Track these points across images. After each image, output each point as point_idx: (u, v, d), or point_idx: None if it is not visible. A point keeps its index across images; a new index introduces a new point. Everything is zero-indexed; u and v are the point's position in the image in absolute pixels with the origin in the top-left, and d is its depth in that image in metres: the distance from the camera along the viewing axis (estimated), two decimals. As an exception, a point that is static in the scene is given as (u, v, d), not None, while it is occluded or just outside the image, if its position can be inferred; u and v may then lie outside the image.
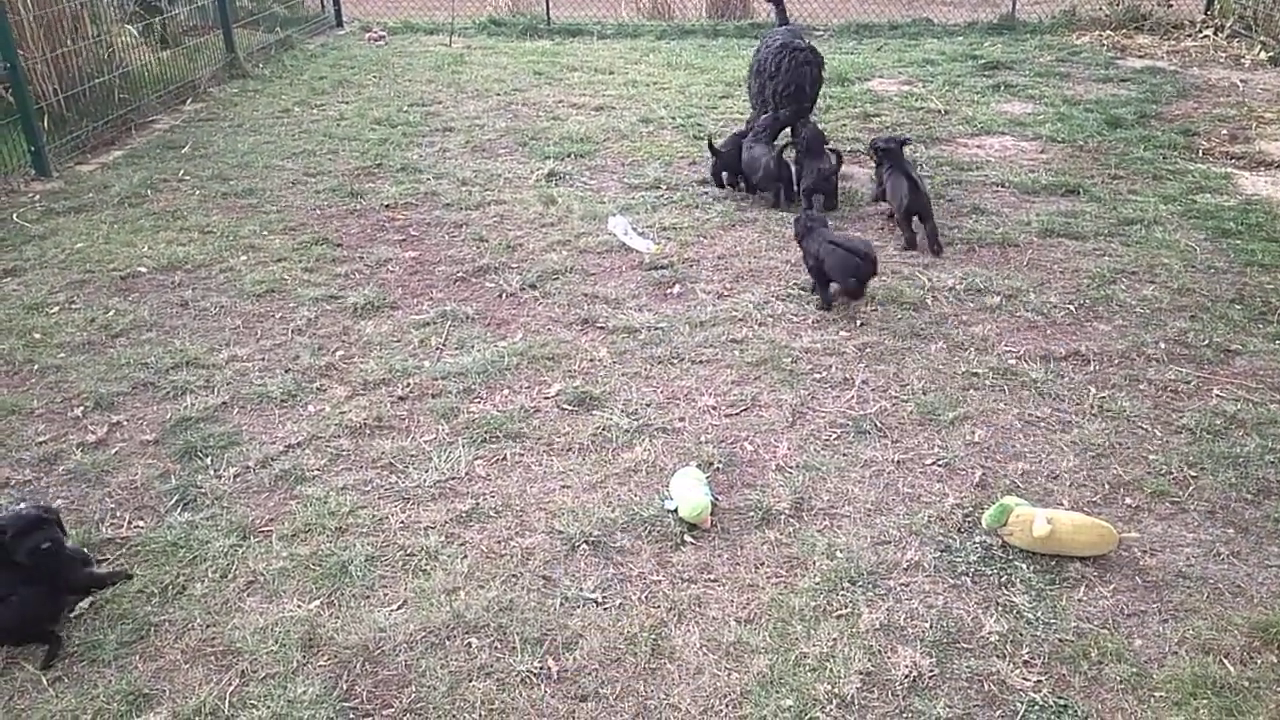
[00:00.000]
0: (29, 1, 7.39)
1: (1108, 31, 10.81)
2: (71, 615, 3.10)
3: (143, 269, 5.52)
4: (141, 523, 3.52)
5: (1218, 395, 4.12)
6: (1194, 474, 3.64)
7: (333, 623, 3.05)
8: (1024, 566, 3.21)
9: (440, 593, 3.15)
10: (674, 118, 8.13)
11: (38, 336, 4.80)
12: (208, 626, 3.06)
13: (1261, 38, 9.89)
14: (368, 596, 3.16)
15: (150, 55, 9.19)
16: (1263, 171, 6.68)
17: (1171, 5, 11.05)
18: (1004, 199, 6.28)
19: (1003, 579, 3.17)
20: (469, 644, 2.96)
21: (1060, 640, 2.93)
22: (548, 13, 12.30)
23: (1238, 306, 4.82)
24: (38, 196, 6.68)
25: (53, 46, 7.64)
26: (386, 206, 6.38)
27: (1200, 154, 7.00)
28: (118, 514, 3.56)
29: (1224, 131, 7.44)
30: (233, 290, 5.25)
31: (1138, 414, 4.00)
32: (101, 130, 7.84)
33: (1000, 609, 3.05)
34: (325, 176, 6.95)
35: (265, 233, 5.99)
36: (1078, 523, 3.25)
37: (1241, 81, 8.86)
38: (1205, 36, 10.38)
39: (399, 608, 3.11)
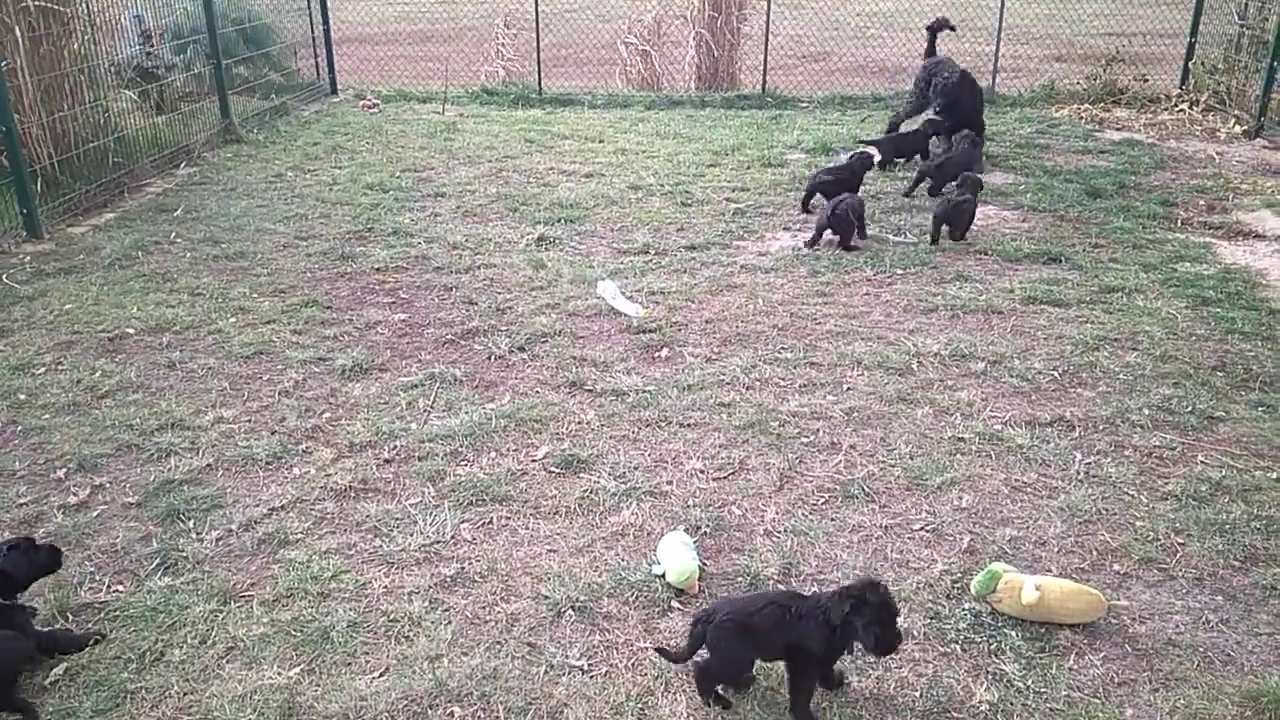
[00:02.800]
0: (29, 67, 7.50)
1: (1086, 105, 11.08)
2: (46, 682, 3.03)
3: (131, 330, 5.52)
4: (121, 587, 3.46)
5: (1202, 462, 4.14)
6: (1181, 540, 3.64)
7: (313, 691, 2.99)
8: (1014, 634, 3.19)
9: (423, 660, 3.10)
10: (662, 185, 8.25)
11: (23, 397, 4.77)
12: (185, 695, 3.00)
13: (1236, 112, 10.16)
14: (349, 664, 3.10)
15: (145, 120, 9.30)
16: (1241, 241, 6.80)
17: (1147, 80, 11.35)
18: (987, 266, 6.37)
19: (993, 647, 3.15)
20: (452, 713, 2.91)
21: (1051, 709, 2.90)
22: (540, 82, 12.54)
23: (1220, 374, 4.88)
24: (28, 258, 6.70)
25: (50, 111, 7.74)
26: (377, 270, 6.42)
27: (1179, 224, 7.13)
28: (97, 578, 3.51)
29: (1202, 202, 7.60)
30: (221, 352, 5.25)
31: (1124, 480, 4.02)
32: (94, 193, 7.90)
33: (991, 677, 3.03)
34: (316, 240, 7.00)
35: (255, 295, 6.01)
36: (1066, 590, 3.24)
37: (1218, 154, 9.07)
38: (1181, 110, 10.65)
39: (381, 675, 3.05)
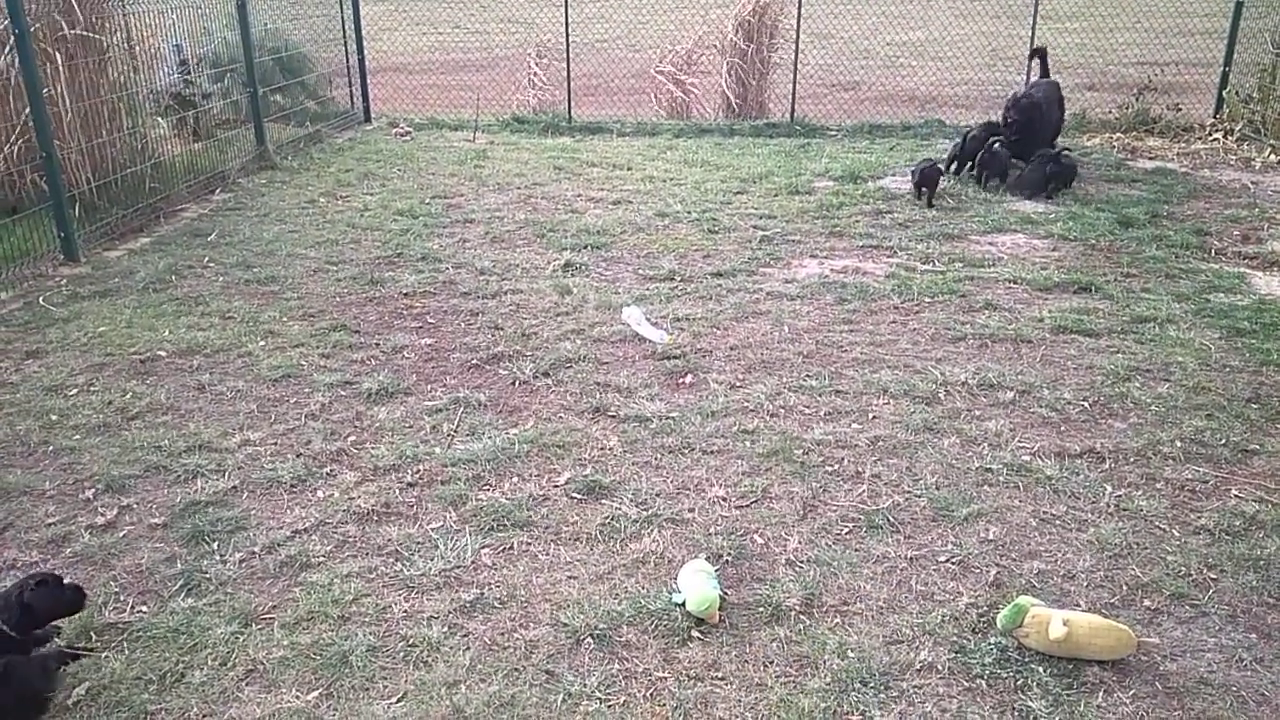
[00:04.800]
0: (69, 94, 7.68)
1: (1118, 134, 11.01)
2: (69, 702, 3.05)
3: (162, 353, 5.60)
4: (144, 608, 3.49)
5: (1236, 495, 4.05)
6: (1214, 576, 3.56)
7: (331, 715, 2.99)
8: (1041, 670, 3.12)
9: (441, 686, 3.09)
10: (689, 212, 8.28)
11: (54, 418, 4.84)
12: (205, 716, 3.00)
13: (1271, 141, 10.04)
14: (367, 688, 3.10)
15: (182, 147, 9.49)
16: (1276, 271, 6.70)
17: (1180, 109, 11.26)
18: (1016, 295, 6.31)
19: (1019, 682, 3.09)
20: (468, 740, 2.89)
21: (1079, 748, 2.84)
22: (569, 111, 12.66)
23: (1254, 406, 4.79)
24: (65, 281, 6.83)
25: (89, 137, 7.91)
26: (405, 295, 6.48)
27: (1213, 254, 7.04)
28: (121, 598, 3.54)
29: (1236, 232, 7.50)
30: (249, 375, 5.31)
31: (1155, 513, 3.94)
32: (131, 218, 8.05)
33: (1017, 714, 2.96)
34: (346, 265, 7.08)
35: (285, 319, 6.08)
36: (1095, 625, 3.17)
37: (1253, 183, 8.96)
38: (1215, 139, 10.55)
39: (398, 701, 3.04)
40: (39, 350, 5.65)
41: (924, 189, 8.42)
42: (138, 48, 8.95)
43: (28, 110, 7.07)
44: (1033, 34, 11.76)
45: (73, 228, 7.27)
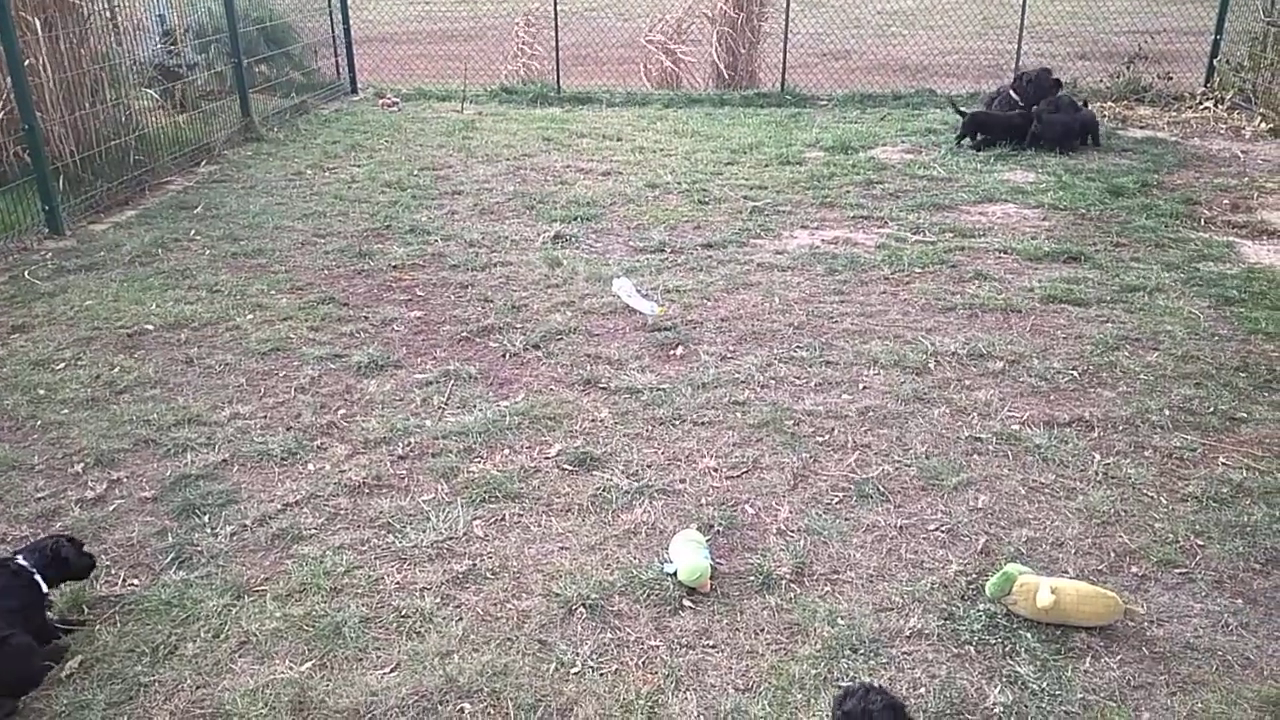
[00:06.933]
0: (51, 65, 7.57)
1: (1109, 103, 10.97)
2: (62, 675, 3.06)
3: (150, 326, 5.56)
4: (136, 581, 3.49)
5: (1223, 463, 4.08)
6: (1201, 543, 3.59)
7: (324, 685, 3.00)
8: (1029, 636, 3.15)
9: (434, 656, 3.11)
10: (679, 183, 8.24)
11: (42, 393, 4.82)
12: (198, 688, 3.01)
13: (1261, 110, 10.02)
14: (360, 659, 3.11)
15: (167, 118, 9.38)
16: (1265, 240, 6.71)
17: (1171, 78, 11.23)
18: (1007, 265, 6.31)
19: (1007, 648, 3.12)
20: (462, 709, 2.91)
21: (1066, 713, 2.87)
22: (558, 81, 12.55)
23: (1242, 374, 4.81)
24: (50, 254, 6.77)
25: (71, 109, 7.81)
26: (394, 267, 6.44)
27: (1202, 223, 7.04)
28: (113, 571, 3.53)
29: (1226, 201, 7.50)
30: (238, 348, 5.28)
31: (1143, 481, 3.97)
32: (116, 190, 7.97)
33: (1005, 679, 2.99)
34: (334, 237, 7.03)
35: (273, 292, 6.04)
36: (1083, 592, 3.20)
37: (1242, 152, 8.95)
38: (1205, 108, 10.53)
39: (391, 671, 3.06)
40: (25, 324, 5.61)
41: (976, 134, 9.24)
42: (120, 17, 8.82)
43: (9, 81, 6.97)
44: (1024, 3, 11.68)
45: (57, 201, 7.20)
